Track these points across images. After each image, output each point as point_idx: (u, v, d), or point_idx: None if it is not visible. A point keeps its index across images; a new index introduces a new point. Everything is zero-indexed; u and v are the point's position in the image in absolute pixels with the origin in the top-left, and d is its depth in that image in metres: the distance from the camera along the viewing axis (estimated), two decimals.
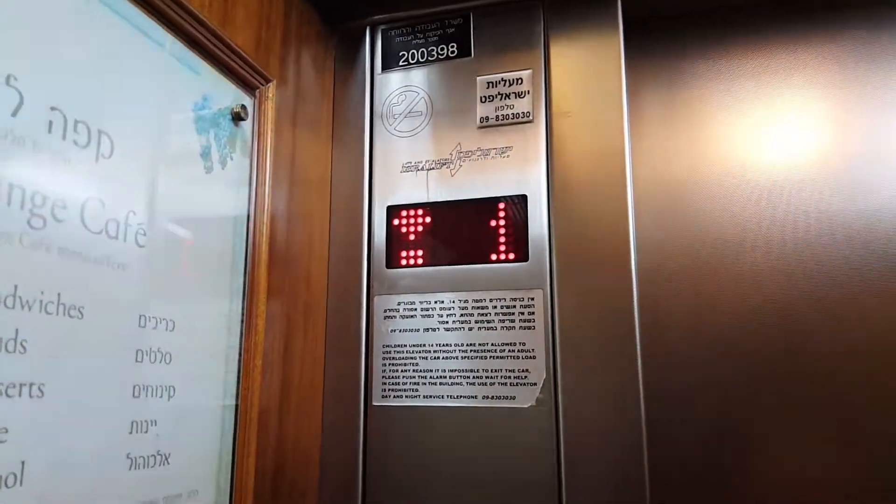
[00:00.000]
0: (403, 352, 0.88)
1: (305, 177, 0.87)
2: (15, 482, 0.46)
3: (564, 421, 0.80)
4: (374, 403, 0.88)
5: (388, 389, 0.87)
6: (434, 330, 0.88)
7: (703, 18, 1.00)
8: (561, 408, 0.81)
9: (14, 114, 0.47)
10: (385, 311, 0.90)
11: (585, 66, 0.89)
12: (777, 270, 0.91)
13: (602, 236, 0.84)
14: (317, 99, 0.92)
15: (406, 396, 0.87)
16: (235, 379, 0.72)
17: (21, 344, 0.47)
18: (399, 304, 0.89)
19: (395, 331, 0.89)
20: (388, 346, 0.89)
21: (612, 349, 0.80)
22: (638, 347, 0.80)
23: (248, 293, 0.74)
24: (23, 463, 0.47)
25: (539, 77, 0.91)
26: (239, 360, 0.73)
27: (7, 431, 0.45)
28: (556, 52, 0.91)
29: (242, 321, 0.73)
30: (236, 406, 0.72)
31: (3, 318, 0.45)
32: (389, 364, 0.88)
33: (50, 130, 0.50)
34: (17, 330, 0.46)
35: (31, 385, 0.47)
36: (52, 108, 0.50)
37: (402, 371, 0.88)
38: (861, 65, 0.94)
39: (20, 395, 0.46)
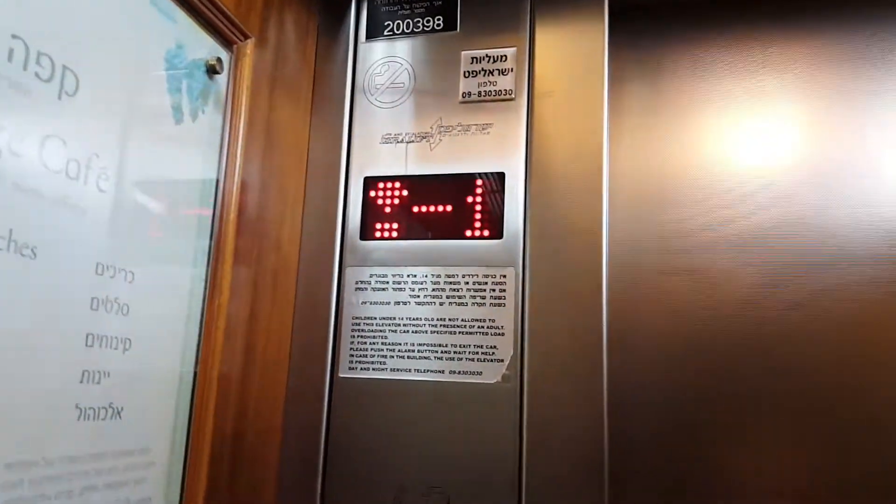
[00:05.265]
0: (373, 324, 0.87)
1: (281, 140, 0.85)
2: None
3: (528, 398, 0.80)
4: (341, 375, 0.86)
5: (356, 361, 0.86)
6: (405, 304, 0.86)
7: (687, 11, 0.99)
8: (526, 385, 0.80)
9: None
10: (357, 282, 0.89)
11: (569, 49, 0.88)
12: (745, 270, 0.89)
13: (576, 220, 0.83)
14: (297, 63, 0.90)
15: (373, 369, 0.85)
16: (196, 341, 0.70)
17: None
18: (371, 276, 0.88)
19: (365, 303, 0.88)
20: (357, 317, 0.88)
21: (579, 332, 0.80)
22: (604, 332, 0.80)
23: (213, 255, 0.73)
24: None
25: (523, 56, 0.90)
26: (200, 323, 0.71)
27: None
28: (541, 32, 0.90)
29: (206, 282, 0.72)
30: (195, 368, 0.70)
31: None
32: (358, 336, 0.87)
33: (10, 59, 0.48)
34: None
35: None
36: (14, 37, 0.48)
37: (370, 343, 0.86)
38: (845, 65, 0.92)
39: None
